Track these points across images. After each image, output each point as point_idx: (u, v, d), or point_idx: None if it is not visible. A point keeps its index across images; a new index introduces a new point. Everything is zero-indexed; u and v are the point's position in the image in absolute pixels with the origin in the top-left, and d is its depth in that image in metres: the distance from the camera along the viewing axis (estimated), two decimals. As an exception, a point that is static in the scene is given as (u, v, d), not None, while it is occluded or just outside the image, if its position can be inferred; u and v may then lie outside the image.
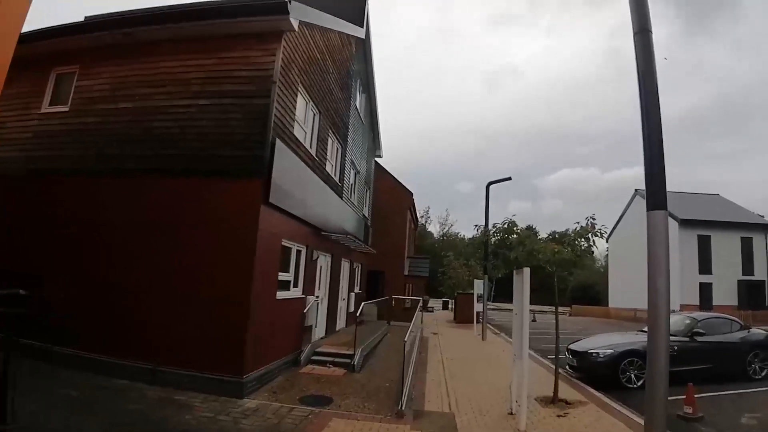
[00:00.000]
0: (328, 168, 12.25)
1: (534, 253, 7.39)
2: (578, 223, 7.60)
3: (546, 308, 48.92)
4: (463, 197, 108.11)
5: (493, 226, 8.21)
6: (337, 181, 13.31)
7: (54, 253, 8.32)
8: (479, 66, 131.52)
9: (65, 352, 7.80)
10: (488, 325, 18.44)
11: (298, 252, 10.08)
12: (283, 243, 8.83)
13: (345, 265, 15.18)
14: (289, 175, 8.63)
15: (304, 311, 9.81)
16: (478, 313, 19.10)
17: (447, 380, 9.23)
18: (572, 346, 10.61)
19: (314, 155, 10.75)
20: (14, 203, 8.67)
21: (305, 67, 9.67)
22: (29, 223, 8.58)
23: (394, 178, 23.41)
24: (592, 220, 7.54)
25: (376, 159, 21.52)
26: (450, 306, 35.16)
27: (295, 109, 9.13)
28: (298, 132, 9.45)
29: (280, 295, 8.74)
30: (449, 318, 27.05)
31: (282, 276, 9.02)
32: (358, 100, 16.49)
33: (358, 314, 10.47)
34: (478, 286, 19.15)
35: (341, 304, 14.78)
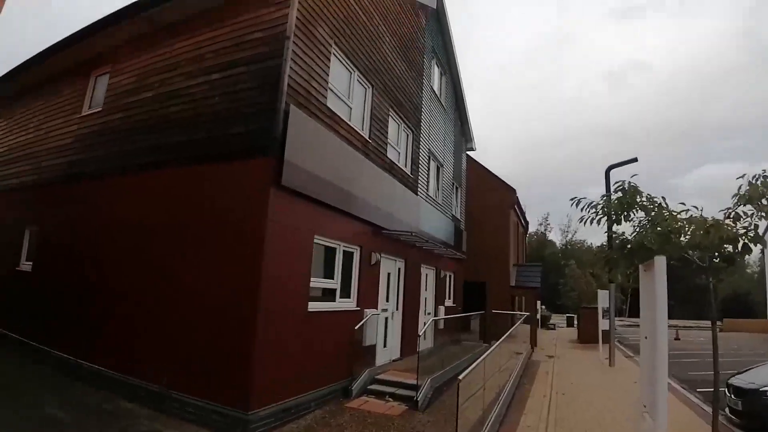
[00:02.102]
0: (392, 155, 10.26)
1: (670, 233, 4.41)
2: (745, 176, 4.41)
3: (691, 323, 39.59)
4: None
5: (602, 200, 5.24)
6: (408, 173, 11.22)
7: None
8: (601, 65, 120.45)
9: (87, 366, 7.05)
10: (618, 345, 14.34)
11: (348, 254, 8.19)
12: (317, 240, 7.02)
13: (428, 274, 12.89)
14: (316, 153, 6.85)
15: (357, 327, 7.80)
16: (603, 331, 15.06)
17: (549, 428, 6.38)
18: (735, 381, 7.11)
19: (367, 137, 8.86)
20: (53, 210, 8.50)
21: (341, 27, 7.90)
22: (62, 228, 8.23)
23: (493, 174, 20.42)
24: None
25: (468, 153, 18.93)
26: (575, 323, 30.10)
27: (327, 75, 7.38)
28: (334, 104, 7.66)
29: (316, 306, 6.90)
30: (573, 337, 22.64)
31: (320, 283, 7.20)
32: (436, 83, 14.31)
33: (420, 333, 8.15)
34: (603, 298, 15.12)
35: (425, 320, 12.47)
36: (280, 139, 6.04)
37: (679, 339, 23.67)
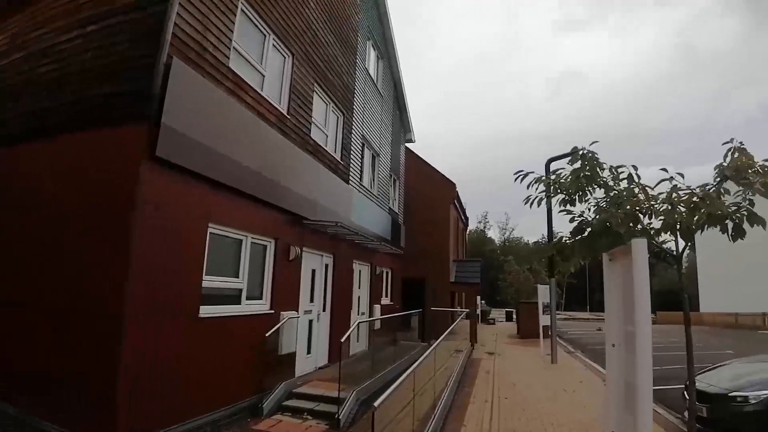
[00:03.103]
0: (319, 138, 9.12)
1: (638, 213, 3.69)
2: (729, 144, 3.78)
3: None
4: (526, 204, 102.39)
5: (554, 175, 4.42)
6: (338, 159, 10.13)
7: None
8: (543, 72, 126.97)
9: None
10: (558, 340, 14.20)
11: (259, 247, 6.96)
12: (213, 230, 5.74)
13: (362, 270, 11.89)
14: (212, 123, 5.58)
15: (267, 335, 6.58)
16: (544, 327, 14.85)
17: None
18: (700, 386, 6.02)
19: (284, 112, 7.66)
20: None
21: (251, -23, 6.65)
22: None
23: (433, 168, 19.86)
24: None
25: (408, 146, 18.18)
26: (514, 317, 30.51)
27: (231, 32, 6.11)
28: (241, 68, 6.41)
29: (212, 310, 5.63)
30: (512, 332, 22.67)
31: (218, 282, 5.92)
32: (372, 66, 13.33)
33: (343, 339, 7.12)
34: (544, 293, 14.94)
35: (360, 320, 11.45)
36: (157, 100, 4.73)
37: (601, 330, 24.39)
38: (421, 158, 19.77)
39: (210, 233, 5.66)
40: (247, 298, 6.47)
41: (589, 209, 4.37)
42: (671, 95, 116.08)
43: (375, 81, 13.47)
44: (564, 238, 4.49)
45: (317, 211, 8.56)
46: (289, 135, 7.70)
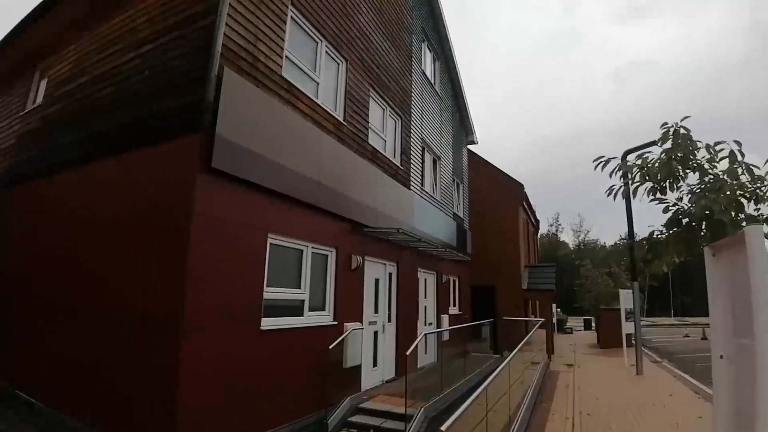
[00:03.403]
0: (377, 144, 8.90)
1: (742, 199, 2.97)
2: None
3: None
4: (601, 203, 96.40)
5: (640, 159, 3.72)
6: (398, 164, 9.85)
7: None
8: (607, 64, 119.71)
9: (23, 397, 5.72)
10: (644, 349, 12.72)
11: (321, 257, 6.80)
12: (273, 240, 5.65)
13: (427, 279, 11.44)
14: (268, 132, 5.51)
15: (330, 347, 6.36)
16: (628, 335, 13.40)
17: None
18: None
19: (341, 119, 7.52)
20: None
21: (301, -14, 6.61)
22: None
23: (498, 169, 18.93)
24: None
25: (470, 148, 17.50)
26: (593, 325, 28.21)
27: (282, 40, 6.07)
28: (294, 76, 6.34)
29: (274, 323, 5.50)
30: (592, 341, 20.88)
31: (280, 293, 5.81)
32: (428, 68, 12.96)
33: (408, 352, 6.68)
34: (626, 298, 13.49)
35: (427, 331, 10.99)
36: (211, 111, 4.72)
37: (707, 339, 21.73)
38: (484, 160, 18.96)
39: (270, 244, 5.57)
40: (310, 310, 6.32)
41: (681, 198, 3.65)
42: (746, 79, 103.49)
43: (432, 82, 13.08)
44: (656, 233, 3.76)
45: (378, 218, 8.30)
46: (346, 141, 7.54)
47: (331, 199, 6.84)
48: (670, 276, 54.34)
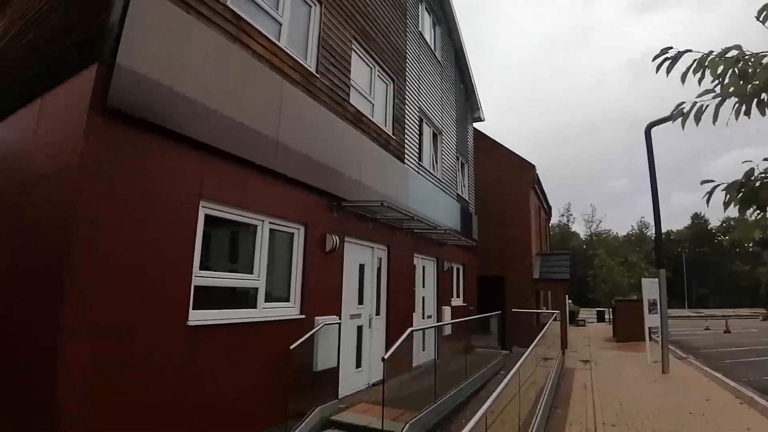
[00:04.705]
0: (361, 106, 7.57)
1: None
2: None
3: (729, 311, 35.50)
4: (616, 195, 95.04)
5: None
6: (389, 133, 8.51)
7: None
8: (622, 55, 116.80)
9: None
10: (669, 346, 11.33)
11: (286, 236, 5.54)
12: (208, 210, 4.37)
13: (426, 266, 10.14)
14: (196, 69, 4.21)
15: (291, 347, 5.10)
16: (651, 329, 11.99)
17: None
18: None
19: (312, 69, 6.20)
20: None
21: None
22: None
23: (507, 148, 17.43)
24: None
25: (476, 127, 16.06)
26: (607, 317, 26.67)
27: (226, -42, 4.76)
28: (240, 6, 5.01)
29: (209, 316, 4.25)
30: (607, 334, 19.45)
31: (221, 278, 4.56)
32: (428, 31, 11.54)
33: (386, 356, 5.41)
34: (650, 288, 12.03)
35: (426, 325, 9.73)
36: (114, 38, 3.45)
37: (730, 332, 20.18)
38: (492, 139, 17.45)
39: (206, 215, 4.31)
40: (267, 300, 5.06)
41: None
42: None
43: (432, 48, 11.66)
44: (759, 173, 2.37)
45: (362, 193, 7.01)
46: (319, 98, 6.23)
47: (298, 166, 5.56)
48: (684, 266, 52.50)
